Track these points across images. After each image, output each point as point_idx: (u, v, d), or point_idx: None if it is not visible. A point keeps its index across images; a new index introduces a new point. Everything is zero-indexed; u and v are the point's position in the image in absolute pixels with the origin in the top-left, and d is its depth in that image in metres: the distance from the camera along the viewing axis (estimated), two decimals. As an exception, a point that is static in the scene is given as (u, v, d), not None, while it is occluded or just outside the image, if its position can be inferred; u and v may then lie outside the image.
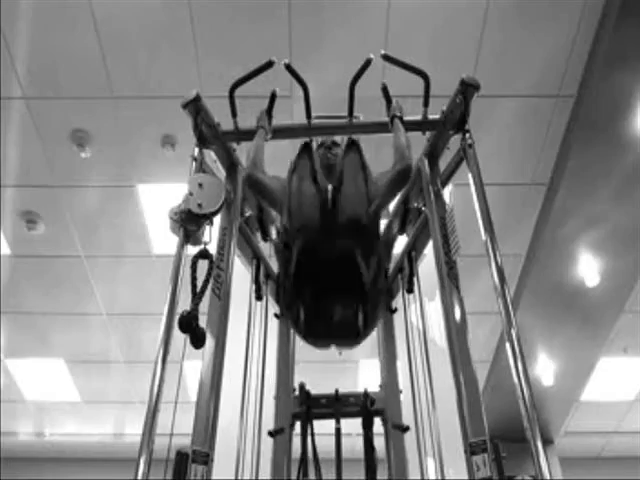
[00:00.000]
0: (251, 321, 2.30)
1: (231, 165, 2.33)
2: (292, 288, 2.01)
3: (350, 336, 2.04)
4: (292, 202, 2.05)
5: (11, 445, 6.85)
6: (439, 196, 2.13)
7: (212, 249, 1.91)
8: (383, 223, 2.54)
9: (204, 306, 1.81)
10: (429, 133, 2.28)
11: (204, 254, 1.84)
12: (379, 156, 2.28)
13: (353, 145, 2.28)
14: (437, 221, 2.03)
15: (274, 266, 2.57)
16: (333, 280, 1.93)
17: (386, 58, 2.26)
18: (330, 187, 2.02)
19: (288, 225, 2.03)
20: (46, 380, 6.14)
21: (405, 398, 2.26)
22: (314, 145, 2.40)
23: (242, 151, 2.33)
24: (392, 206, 2.45)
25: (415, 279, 2.32)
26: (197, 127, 2.12)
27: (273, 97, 2.32)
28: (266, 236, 2.54)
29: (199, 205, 1.81)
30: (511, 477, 1.46)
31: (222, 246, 2.03)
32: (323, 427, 2.19)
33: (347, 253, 1.91)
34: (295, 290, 2.00)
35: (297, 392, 2.29)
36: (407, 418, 2.22)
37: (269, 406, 2.28)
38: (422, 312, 2.20)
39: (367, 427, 2.18)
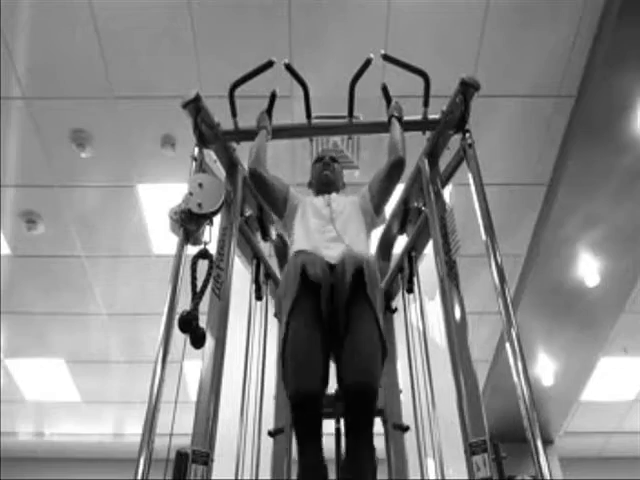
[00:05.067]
0: (251, 321, 2.30)
1: (231, 165, 2.33)
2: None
3: None
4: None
5: (11, 445, 6.84)
6: (439, 196, 2.13)
7: (212, 249, 1.91)
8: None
9: (204, 306, 1.81)
10: (429, 133, 2.29)
11: (204, 254, 1.84)
12: (378, 157, 2.29)
13: None
14: (437, 221, 2.03)
15: (274, 266, 2.57)
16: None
17: (386, 58, 2.27)
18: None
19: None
20: (46, 380, 6.13)
21: (405, 398, 2.26)
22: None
23: (242, 151, 2.33)
24: (392, 206, 2.45)
25: (415, 279, 2.32)
26: (197, 127, 2.12)
27: (273, 97, 2.32)
28: (266, 236, 2.54)
29: (199, 205, 1.81)
30: (511, 477, 1.46)
31: (222, 246, 2.03)
32: (323, 427, 2.18)
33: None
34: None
35: (297, 392, 2.28)
36: (407, 418, 2.21)
37: (269, 406, 2.28)
38: (422, 312, 2.20)
39: (367, 427, 2.18)
